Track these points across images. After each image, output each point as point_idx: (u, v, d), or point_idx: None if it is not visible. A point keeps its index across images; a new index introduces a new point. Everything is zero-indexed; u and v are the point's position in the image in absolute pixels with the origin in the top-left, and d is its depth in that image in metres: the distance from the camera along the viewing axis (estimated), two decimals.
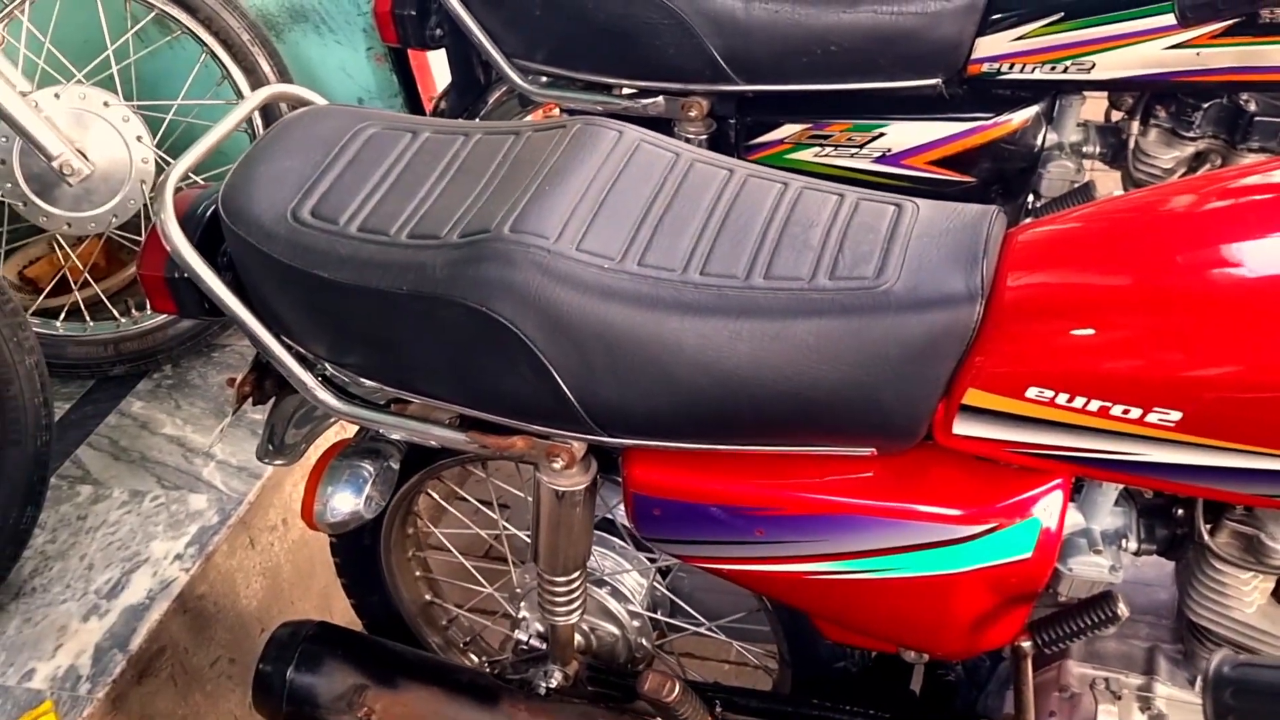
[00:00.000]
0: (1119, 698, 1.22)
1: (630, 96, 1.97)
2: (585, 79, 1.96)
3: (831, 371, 1.04)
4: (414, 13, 2.01)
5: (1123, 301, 1.00)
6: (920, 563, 1.13)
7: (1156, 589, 1.32)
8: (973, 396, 1.04)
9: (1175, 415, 0.97)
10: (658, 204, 1.13)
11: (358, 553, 1.67)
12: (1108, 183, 2.13)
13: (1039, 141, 1.90)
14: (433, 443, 1.23)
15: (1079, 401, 1.00)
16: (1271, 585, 1.15)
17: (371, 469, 1.28)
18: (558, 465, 1.18)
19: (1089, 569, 1.18)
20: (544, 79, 2.01)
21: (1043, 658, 1.28)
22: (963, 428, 1.06)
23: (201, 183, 1.40)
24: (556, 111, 2.14)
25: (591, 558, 1.58)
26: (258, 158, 1.17)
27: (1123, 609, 1.12)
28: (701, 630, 1.63)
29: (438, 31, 2.05)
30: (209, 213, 1.18)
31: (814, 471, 1.14)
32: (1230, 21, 1.66)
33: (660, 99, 1.92)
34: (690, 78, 1.86)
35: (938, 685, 1.44)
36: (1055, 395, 1.01)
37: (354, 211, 1.11)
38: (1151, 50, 1.72)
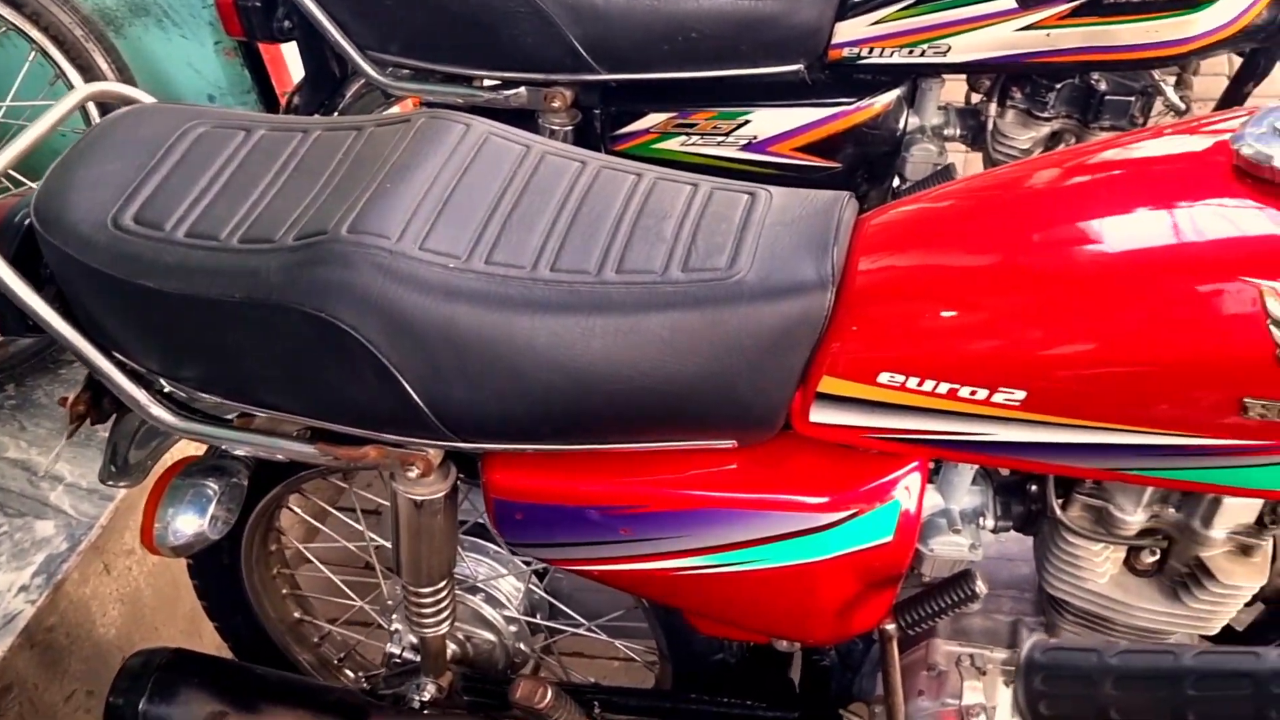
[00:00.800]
0: (984, 673, 1.26)
1: (492, 88, 1.96)
2: (445, 71, 1.95)
3: (687, 365, 1.06)
4: (259, 4, 1.97)
5: (964, 284, 1.03)
6: (785, 552, 1.15)
7: (1019, 563, 1.37)
8: (828, 384, 1.06)
9: (1020, 394, 1.00)
10: (506, 199, 1.13)
11: (218, 573, 1.64)
12: (975, 164, 2.19)
13: (901, 125, 1.95)
14: (280, 457, 1.21)
15: (929, 385, 1.03)
16: (1123, 555, 1.20)
17: (217, 487, 1.25)
18: (413, 474, 1.18)
19: (950, 548, 1.22)
20: (403, 71, 1.98)
21: (910, 638, 1.32)
22: (820, 415, 1.08)
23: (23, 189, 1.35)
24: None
25: (465, 563, 1.58)
26: (75, 162, 1.14)
27: (980, 587, 1.16)
28: (580, 631, 1.64)
29: (286, 23, 2.01)
30: (26, 222, 1.14)
31: (676, 466, 1.15)
32: (1075, 3, 1.72)
33: (522, 90, 1.92)
34: (551, 68, 1.86)
35: (814, 671, 1.47)
36: (906, 379, 1.04)
37: (181, 216, 1.08)
38: (1003, 32, 1.78)
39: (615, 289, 1.06)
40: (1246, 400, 0.94)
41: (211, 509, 1.24)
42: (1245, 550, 1.16)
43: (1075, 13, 1.74)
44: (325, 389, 1.10)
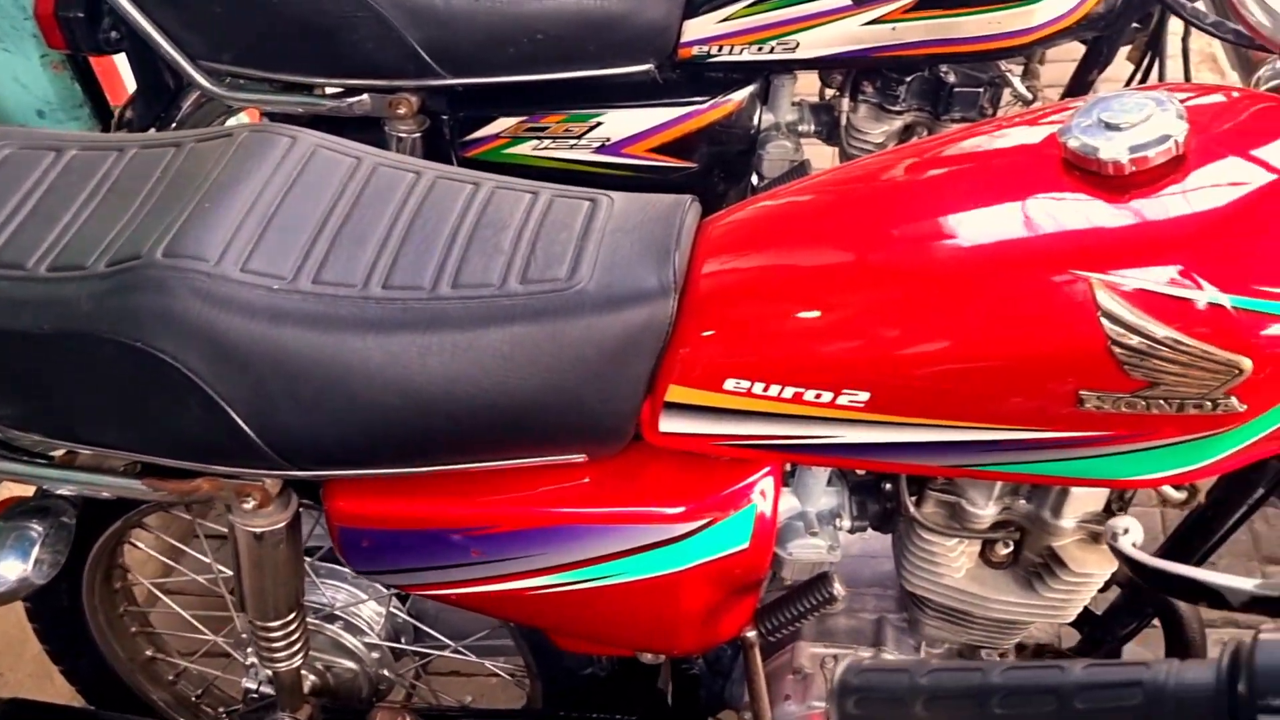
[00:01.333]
0: None
1: (335, 96, 1.91)
2: (283, 79, 1.89)
3: (529, 380, 1.04)
4: (82, 14, 1.88)
5: (801, 286, 1.03)
6: (642, 565, 1.13)
7: (882, 560, 1.38)
8: (675, 393, 1.06)
9: (864, 396, 1.00)
10: (336, 215, 1.09)
11: (58, 615, 1.56)
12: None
13: (755, 123, 1.96)
14: (106, 494, 1.15)
15: (774, 390, 1.03)
16: (978, 549, 1.22)
17: (41, 529, 1.19)
18: (250, 505, 1.13)
19: (808, 551, 1.22)
20: (242, 81, 1.92)
21: (774, 643, 1.32)
22: (669, 425, 1.07)
23: None
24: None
25: (321, 591, 1.54)
26: None
27: (838, 589, 1.16)
28: (446, 653, 1.61)
29: (113, 34, 1.93)
30: None
31: (525, 484, 1.13)
32: None
33: (365, 98, 1.87)
34: (394, 73, 1.82)
35: (684, 681, 1.46)
36: (752, 385, 1.03)
37: None
38: (850, 27, 1.80)
39: (451, 305, 1.04)
40: (1083, 393, 0.95)
41: (35, 552, 1.18)
42: (1095, 538, 1.18)
43: (918, 6, 1.77)
44: (149, 422, 1.05)
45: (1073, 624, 1.35)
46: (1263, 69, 1.16)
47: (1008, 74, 1.96)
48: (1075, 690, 0.53)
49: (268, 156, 1.11)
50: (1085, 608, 1.29)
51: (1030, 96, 2.01)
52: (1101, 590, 1.25)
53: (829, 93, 2.09)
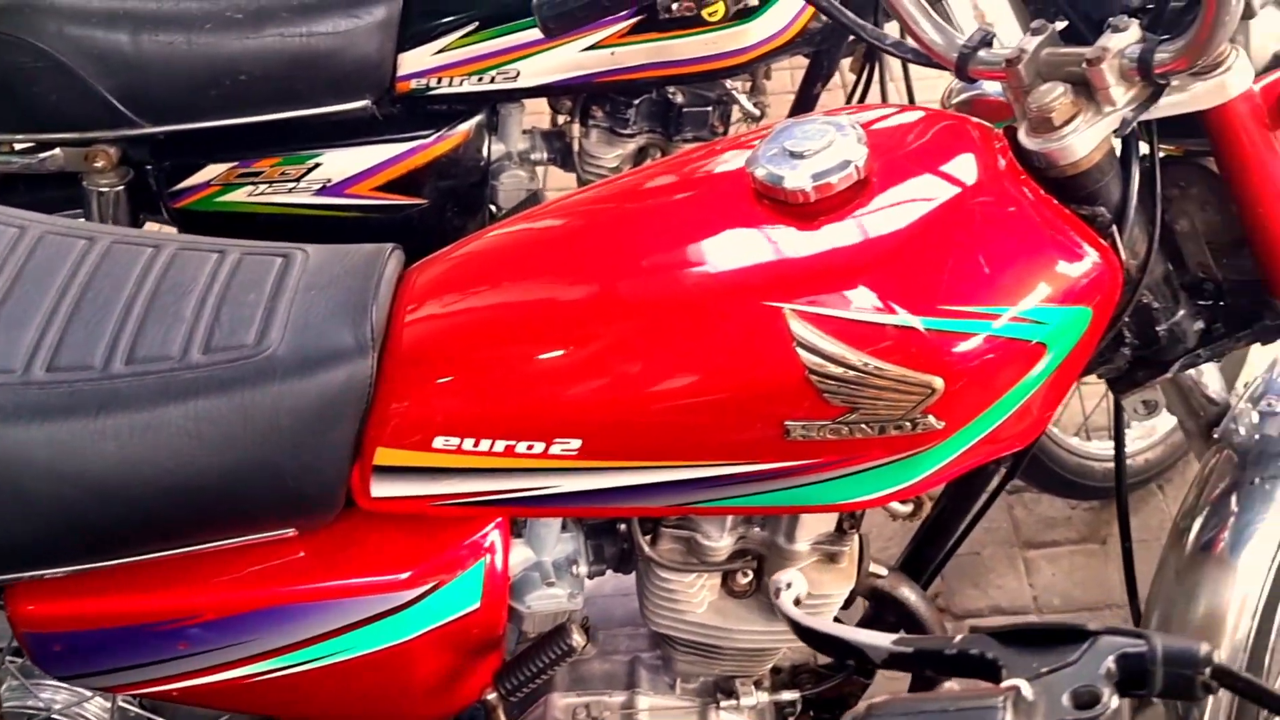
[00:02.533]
0: None
1: (26, 152, 1.79)
2: None
3: (220, 456, 0.98)
4: None
5: (500, 335, 1.02)
6: (368, 638, 1.09)
7: (634, 598, 1.37)
8: (383, 455, 1.02)
9: (575, 443, 0.99)
10: None
11: None
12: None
13: (485, 154, 1.94)
14: None
15: (485, 444, 1.00)
16: (719, 580, 1.22)
17: None
18: None
19: (547, 602, 1.19)
20: None
21: (524, 699, 1.29)
22: (381, 489, 1.04)
23: None
24: None
25: (35, 695, 1.42)
26: None
27: (577, 639, 1.14)
28: None
29: None
30: None
31: (231, 567, 1.07)
32: (634, 20, 1.76)
33: (58, 152, 1.77)
34: (87, 125, 1.72)
35: None
36: (461, 442, 1.00)
37: None
38: (569, 54, 1.80)
39: (125, 383, 0.97)
40: (788, 423, 0.96)
41: None
42: (832, 558, 1.20)
43: (636, 29, 1.78)
44: None
45: None
46: (949, 87, 1.21)
47: (733, 92, 2.00)
48: None
49: None
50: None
51: (758, 113, 2.06)
52: (846, 607, 1.27)
53: (560, 119, 2.08)
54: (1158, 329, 1.11)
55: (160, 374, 0.98)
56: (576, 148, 2.02)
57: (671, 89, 1.96)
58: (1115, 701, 0.53)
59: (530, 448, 1.00)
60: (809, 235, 0.97)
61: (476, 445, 1.00)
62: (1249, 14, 0.94)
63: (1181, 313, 1.12)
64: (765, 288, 0.95)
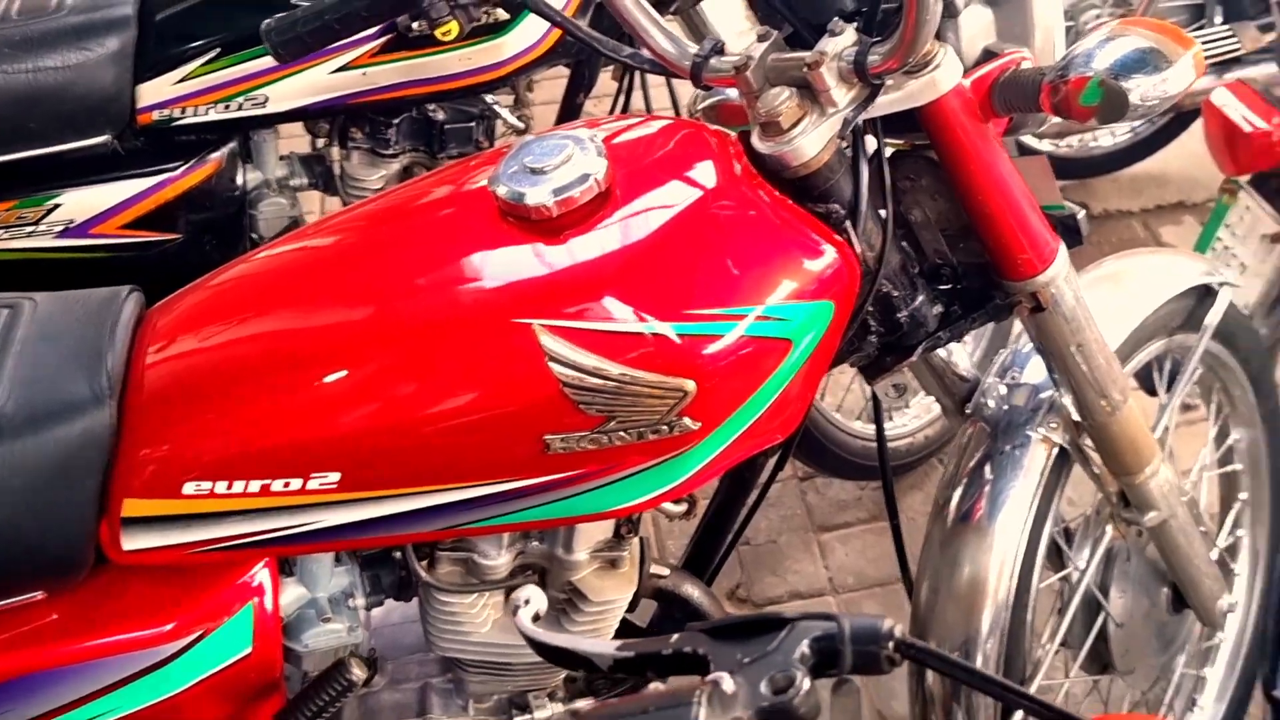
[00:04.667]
0: None
1: None
2: None
3: None
4: None
5: (244, 372, 1.00)
6: (137, 695, 1.05)
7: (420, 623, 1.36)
8: (132, 507, 0.99)
9: (334, 477, 0.98)
10: None
11: None
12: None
13: (240, 183, 1.89)
14: None
15: (239, 486, 0.98)
16: (502, 598, 1.22)
17: None
18: None
19: (326, 639, 1.18)
20: None
21: None
22: (133, 542, 1.00)
23: None
24: None
25: None
26: None
27: (357, 673, 1.13)
28: None
29: None
30: None
31: None
32: (384, 39, 1.75)
33: None
34: None
35: None
36: (214, 485, 0.98)
37: None
38: (319, 76, 1.77)
39: None
40: (547, 438, 0.98)
41: None
42: (613, 564, 1.22)
43: (386, 49, 1.77)
44: None
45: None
46: (695, 94, 1.24)
47: (496, 106, 2.00)
48: None
49: None
50: (630, 624, 1.33)
51: (523, 125, 2.07)
52: (632, 609, 1.29)
53: (319, 142, 2.04)
54: (899, 315, 1.17)
55: None
56: (338, 171, 1.98)
57: (432, 106, 1.95)
58: (807, 683, 0.57)
59: (287, 485, 0.98)
60: (555, 250, 0.99)
61: (230, 488, 0.98)
62: (951, 12, 1.01)
63: (920, 298, 1.18)
64: (514, 305, 0.96)
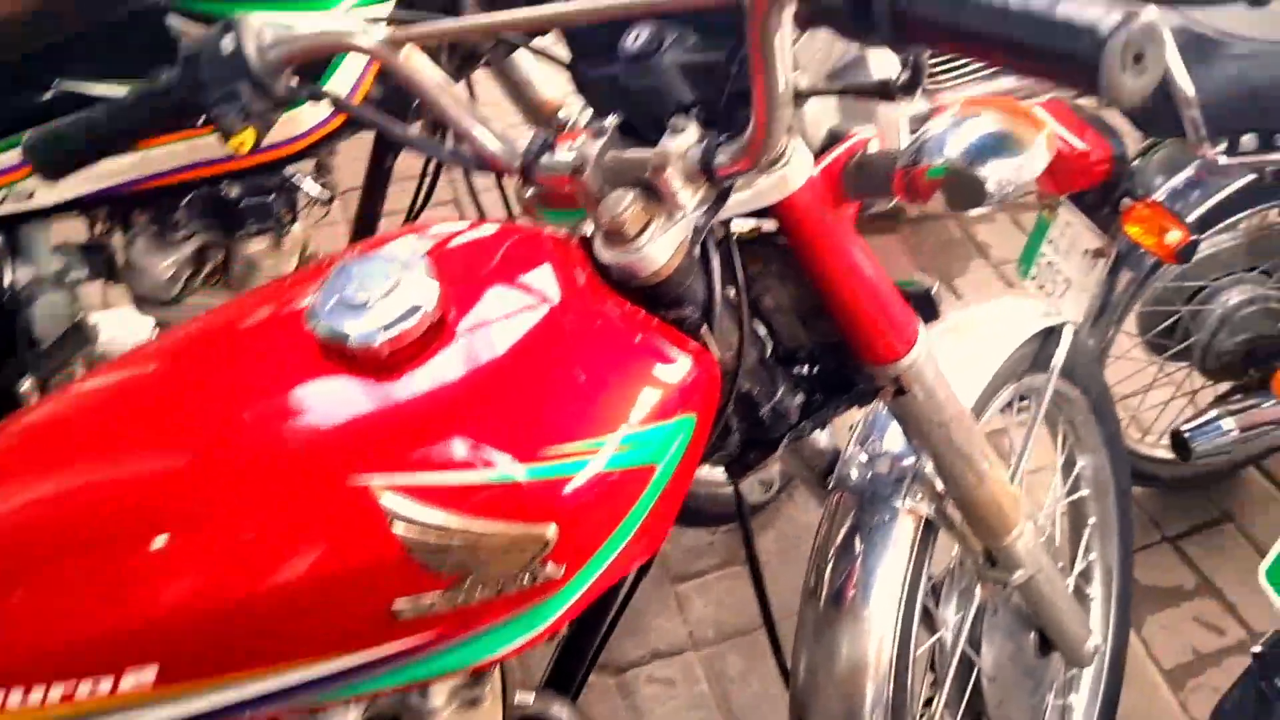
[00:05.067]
0: None
1: None
2: None
3: None
4: None
5: (33, 555, 0.87)
6: None
7: None
8: None
9: (151, 671, 0.85)
10: None
11: None
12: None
13: (8, 283, 1.69)
14: None
15: (37, 695, 0.84)
16: None
17: None
18: None
19: None
20: None
21: None
22: None
23: None
24: None
25: None
26: None
27: None
28: None
29: None
30: None
31: None
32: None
33: None
34: None
35: None
36: (6, 697, 0.84)
37: None
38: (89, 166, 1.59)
39: None
40: (396, 604, 0.87)
41: None
42: (473, 703, 1.12)
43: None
44: None
45: None
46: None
47: (295, 179, 1.85)
48: None
49: None
50: None
51: (329, 194, 1.93)
52: None
53: (98, 229, 1.86)
54: (760, 412, 1.10)
55: None
56: (122, 260, 1.81)
57: (226, 183, 1.79)
58: None
59: (95, 687, 0.85)
60: (387, 393, 0.88)
61: (26, 697, 0.84)
62: (799, 103, 0.94)
63: (781, 389, 1.12)
64: (347, 462, 0.85)
